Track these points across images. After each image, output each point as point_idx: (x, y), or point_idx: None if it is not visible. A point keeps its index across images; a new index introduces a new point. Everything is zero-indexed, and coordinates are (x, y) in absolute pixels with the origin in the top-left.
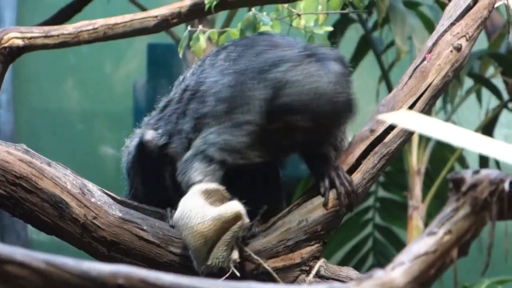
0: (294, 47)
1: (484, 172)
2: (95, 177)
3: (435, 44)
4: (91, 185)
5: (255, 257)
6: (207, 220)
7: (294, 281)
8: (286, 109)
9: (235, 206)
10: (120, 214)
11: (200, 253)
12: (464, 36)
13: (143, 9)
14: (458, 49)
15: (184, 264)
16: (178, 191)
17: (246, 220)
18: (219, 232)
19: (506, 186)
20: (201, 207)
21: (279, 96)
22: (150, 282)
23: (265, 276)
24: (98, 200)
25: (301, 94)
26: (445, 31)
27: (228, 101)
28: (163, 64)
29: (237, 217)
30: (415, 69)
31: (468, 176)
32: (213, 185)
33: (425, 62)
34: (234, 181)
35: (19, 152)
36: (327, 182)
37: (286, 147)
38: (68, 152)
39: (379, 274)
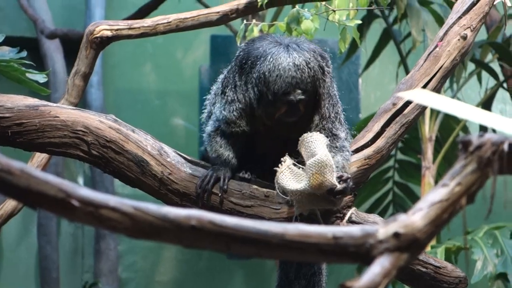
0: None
1: (487, 135)
2: (168, 143)
3: (445, 33)
4: (166, 148)
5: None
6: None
7: (331, 225)
8: (279, 92)
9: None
10: (190, 171)
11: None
12: (469, 27)
13: (207, 6)
14: (464, 38)
15: (240, 211)
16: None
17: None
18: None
19: (505, 147)
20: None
21: (266, 88)
22: (217, 223)
23: (309, 220)
24: (172, 159)
25: (279, 76)
26: (454, 23)
27: (222, 83)
28: (223, 52)
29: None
30: (429, 54)
31: (474, 138)
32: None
33: (437, 49)
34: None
35: (109, 121)
36: None
37: (291, 123)
38: (146, 124)
39: (402, 218)
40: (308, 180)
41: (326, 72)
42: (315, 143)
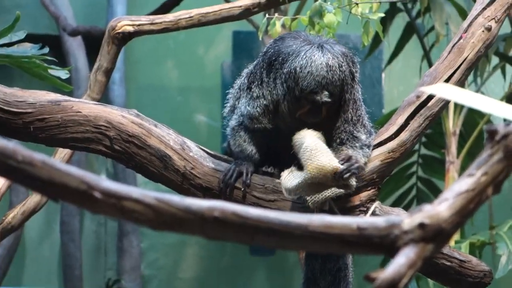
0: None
1: None
2: (191, 139)
3: (470, 25)
4: (189, 142)
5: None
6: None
7: None
8: (307, 89)
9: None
10: (213, 165)
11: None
12: (494, 18)
13: (229, 1)
14: (489, 29)
15: (263, 206)
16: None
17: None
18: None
19: None
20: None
21: (295, 83)
22: (241, 214)
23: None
24: (195, 154)
25: (310, 74)
26: (478, 15)
27: (248, 78)
28: (245, 48)
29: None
30: (453, 46)
31: (501, 128)
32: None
33: (461, 40)
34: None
35: (131, 116)
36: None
37: (310, 125)
38: (168, 120)
39: (428, 208)
40: (305, 169)
41: (355, 78)
42: (303, 138)
